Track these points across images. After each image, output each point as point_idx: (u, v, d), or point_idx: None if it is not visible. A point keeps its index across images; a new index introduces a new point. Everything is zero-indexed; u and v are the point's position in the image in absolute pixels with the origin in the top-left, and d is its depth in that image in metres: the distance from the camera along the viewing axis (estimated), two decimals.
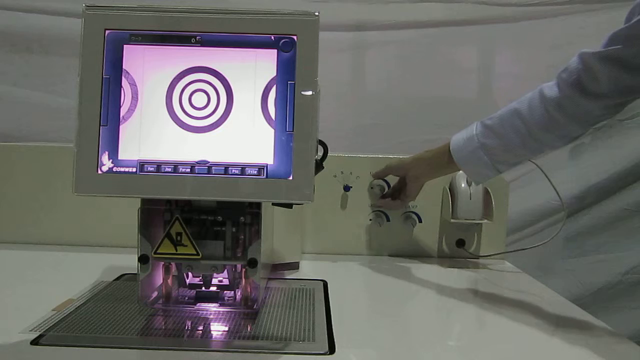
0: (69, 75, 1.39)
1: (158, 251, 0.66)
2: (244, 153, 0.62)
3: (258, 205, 0.69)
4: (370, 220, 1.13)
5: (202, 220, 0.69)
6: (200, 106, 0.63)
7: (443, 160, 0.93)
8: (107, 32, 0.62)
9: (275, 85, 0.62)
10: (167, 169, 0.62)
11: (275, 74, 0.62)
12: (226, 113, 0.63)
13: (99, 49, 0.62)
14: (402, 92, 1.49)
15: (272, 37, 0.62)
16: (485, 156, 0.87)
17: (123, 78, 0.62)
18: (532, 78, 1.44)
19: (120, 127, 0.62)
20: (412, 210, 1.12)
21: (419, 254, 1.13)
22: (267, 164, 0.62)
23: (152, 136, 0.62)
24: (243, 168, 0.62)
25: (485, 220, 1.08)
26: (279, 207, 0.70)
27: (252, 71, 0.62)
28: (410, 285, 0.96)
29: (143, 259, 0.67)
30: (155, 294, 0.73)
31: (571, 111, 0.78)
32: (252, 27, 0.62)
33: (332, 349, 0.63)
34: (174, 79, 0.63)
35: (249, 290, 0.71)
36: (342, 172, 1.12)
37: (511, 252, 1.14)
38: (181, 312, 0.73)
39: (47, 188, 1.12)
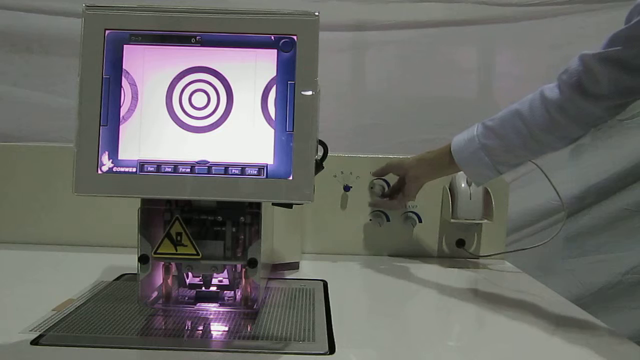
0: (69, 75, 1.38)
1: (158, 251, 0.66)
2: (244, 153, 0.62)
3: (258, 205, 0.69)
4: (370, 220, 1.13)
5: (202, 220, 0.69)
6: (200, 106, 0.63)
7: (444, 161, 0.94)
8: (107, 32, 0.62)
9: (275, 85, 0.62)
10: (167, 169, 0.62)
11: (275, 74, 0.62)
12: (226, 113, 0.63)
13: (99, 49, 0.62)
14: (402, 92, 1.49)
15: (272, 37, 0.62)
16: (486, 157, 0.87)
17: (123, 78, 0.62)
18: (532, 78, 1.45)
19: (120, 127, 0.62)
20: (412, 210, 1.12)
21: (419, 254, 1.13)
22: (267, 164, 0.62)
23: (152, 136, 0.62)
24: (243, 168, 0.62)
25: (485, 220, 1.08)
26: (279, 207, 0.70)
27: (252, 71, 0.62)
28: (410, 285, 0.96)
29: (143, 259, 0.67)
30: (155, 294, 0.73)
31: (572, 113, 0.78)
32: (252, 27, 0.62)
33: (332, 349, 0.63)
34: (174, 79, 0.63)
35: (249, 290, 0.71)
36: (342, 172, 1.12)
37: (511, 252, 1.14)
38: (181, 312, 0.73)
39: (47, 188, 1.12)
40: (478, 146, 0.87)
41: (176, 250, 0.66)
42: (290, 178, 0.61)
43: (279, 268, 0.98)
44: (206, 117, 0.62)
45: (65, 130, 1.39)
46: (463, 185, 1.07)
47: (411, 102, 1.48)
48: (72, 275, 0.93)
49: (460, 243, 1.13)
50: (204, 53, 0.63)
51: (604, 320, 0.76)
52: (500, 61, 1.54)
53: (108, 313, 0.73)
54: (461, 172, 1.00)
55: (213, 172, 0.62)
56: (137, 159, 0.62)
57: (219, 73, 0.63)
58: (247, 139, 0.62)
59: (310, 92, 0.61)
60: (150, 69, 0.62)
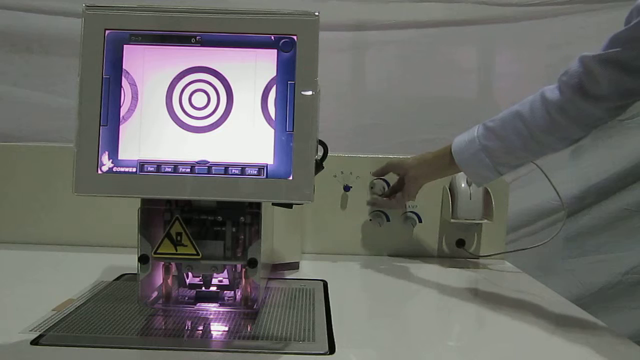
0: (69, 75, 1.38)
1: (158, 251, 0.66)
2: (244, 153, 0.62)
3: (258, 205, 0.69)
4: (370, 220, 1.13)
5: (202, 220, 0.69)
6: (200, 106, 0.63)
7: (444, 162, 0.94)
8: (107, 32, 0.62)
9: (275, 85, 0.62)
10: (167, 169, 0.62)
11: (275, 74, 0.62)
12: (226, 113, 0.63)
13: (99, 49, 0.62)
14: (402, 92, 1.49)
15: (272, 37, 0.62)
16: (486, 158, 0.87)
17: (123, 78, 0.62)
18: (532, 78, 1.45)
19: (120, 127, 0.62)
20: (412, 210, 1.12)
21: (419, 254, 1.13)
22: (267, 164, 0.61)
23: (152, 136, 0.62)
24: (243, 168, 0.62)
25: (485, 220, 1.08)
26: (279, 207, 0.70)
27: (252, 71, 0.62)
28: (410, 285, 0.96)
29: (143, 259, 0.67)
30: (155, 294, 0.73)
31: (572, 114, 0.78)
32: (252, 27, 0.62)
33: (332, 349, 0.63)
34: (174, 79, 0.63)
35: (249, 290, 0.71)
36: (342, 172, 1.12)
37: (511, 252, 1.14)
38: (181, 312, 0.73)
39: (47, 188, 1.12)
40: (479, 147, 0.87)
41: (176, 250, 0.66)
42: (290, 178, 0.61)
43: (279, 268, 0.98)
44: (206, 117, 0.62)
45: (65, 130, 1.39)
46: (463, 185, 1.07)
47: (411, 102, 1.48)
48: (72, 275, 0.93)
49: (460, 243, 1.13)
50: (204, 53, 0.63)
51: (604, 320, 0.76)
52: (501, 61, 1.54)
53: (108, 313, 0.73)
54: (461, 172, 1.00)
55: (213, 172, 0.62)
56: (137, 159, 0.62)
57: (219, 73, 0.63)
58: (247, 139, 0.62)
59: (310, 92, 0.61)
60: (150, 69, 0.62)
